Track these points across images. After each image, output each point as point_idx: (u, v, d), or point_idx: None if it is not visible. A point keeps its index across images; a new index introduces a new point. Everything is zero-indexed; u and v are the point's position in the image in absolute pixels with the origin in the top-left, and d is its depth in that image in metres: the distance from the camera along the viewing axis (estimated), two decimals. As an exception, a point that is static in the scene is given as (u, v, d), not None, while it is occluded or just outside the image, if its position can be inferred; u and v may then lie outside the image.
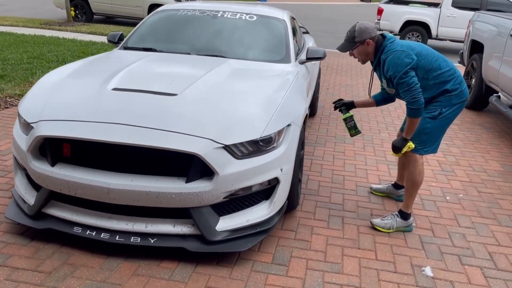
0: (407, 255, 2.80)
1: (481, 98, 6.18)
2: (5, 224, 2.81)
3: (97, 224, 2.58)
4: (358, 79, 8.09)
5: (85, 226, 2.60)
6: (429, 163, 4.31)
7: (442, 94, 2.87)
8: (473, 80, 6.38)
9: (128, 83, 2.91)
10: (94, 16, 13.90)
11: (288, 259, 2.67)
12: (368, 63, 3.07)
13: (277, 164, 2.68)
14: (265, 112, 2.76)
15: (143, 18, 6.78)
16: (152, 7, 12.77)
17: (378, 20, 12.32)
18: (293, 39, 4.09)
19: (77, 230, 2.59)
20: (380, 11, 12.30)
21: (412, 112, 2.78)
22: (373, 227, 3.06)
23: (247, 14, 4.17)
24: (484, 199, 3.63)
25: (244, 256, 2.66)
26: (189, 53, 3.72)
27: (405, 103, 2.81)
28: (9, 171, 3.53)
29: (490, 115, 6.29)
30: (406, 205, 3.05)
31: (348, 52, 2.96)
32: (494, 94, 5.72)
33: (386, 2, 12.69)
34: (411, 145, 2.91)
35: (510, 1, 10.93)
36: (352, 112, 3.29)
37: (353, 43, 2.88)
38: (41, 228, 2.64)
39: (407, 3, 12.65)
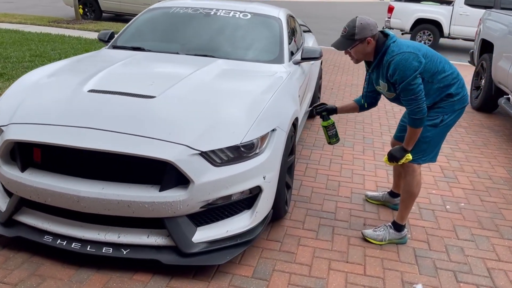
0: (399, 270, 2.62)
1: (490, 100, 5.93)
2: (-23, 231, 2.70)
3: (68, 233, 2.45)
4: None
5: (56, 235, 2.48)
6: (430, 168, 4.11)
7: (445, 100, 2.65)
8: (483, 81, 6.13)
9: (106, 84, 2.78)
10: (103, 14, 13.88)
11: (270, 272, 2.51)
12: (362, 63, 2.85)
13: (259, 171, 2.52)
14: (248, 116, 2.60)
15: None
16: (160, 4, 12.65)
17: (388, 18, 12.05)
18: (289, 38, 3.92)
19: (48, 239, 2.47)
20: (390, 9, 12.02)
21: (415, 122, 2.57)
22: (365, 239, 2.89)
23: (241, 12, 4.02)
24: (486, 209, 3.42)
25: (224, 269, 2.51)
26: (177, 53, 3.58)
27: (408, 112, 2.58)
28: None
29: (500, 117, 6.04)
30: (401, 216, 2.87)
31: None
32: (504, 96, 5.48)
33: (397, 0, 12.39)
34: (409, 156, 2.70)
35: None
36: (333, 118, 3.09)
37: (352, 40, 2.58)
38: (11, 236, 2.53)
39: (418, 1, 12.34)
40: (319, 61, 5.24)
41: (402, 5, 11.95)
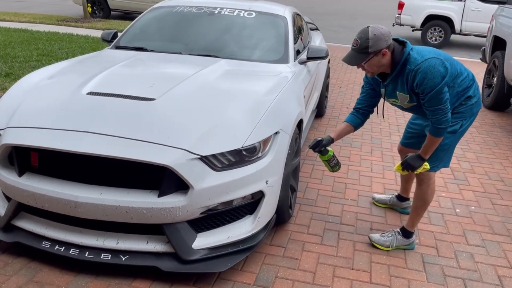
0: (406, 277, 2.53)
1: (503, 98, 5.78)
2: (-23, 235, 2.67)
3: (66, 239, 2.41)
4: (374, 77, 7.74)
5: (54, 241, 2.43)
6: (441, 170, 3.97)
7: (463, 103, 2.51)
8: (495, 79, 5.98)
9: (105, 86, 2.72)
10: (112, 12, 13.87)
11: (273, 280, 2.45)
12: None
13: (261, 176, 2.45)
14: (250, 118, 2.53)
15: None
16: (169, 2, 12.62)
17: (398, 14, 11.85)
18: (294, 37, 3.83)
19: (46, 245, 2.42)
20: (401, 5, 11.82)
21: (439, 132, 2.41)
22: (371, 244, 2.80)
23: (246, 10, 3.94)
24: (498, 213, 3.31)
25: (225, 276, 2.45)
26: (180, 53, 3.52)
27: (432, 122, 2.40)
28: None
29: (513, 116, 5.90)
30: (412, 224, 2.77)
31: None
32: (517, 95, 5.33)
33: (407, -4, 12.17)
34: (426, 165, 2.55)
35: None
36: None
37: (365, 54, 2.34)
38: (9, 242, 2.49)
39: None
40: (327, 60, 5.14)
41: (413, 1, 11.73)
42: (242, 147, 2.37)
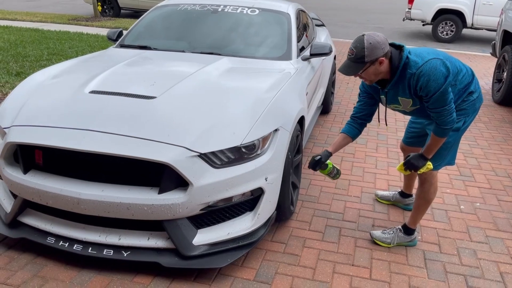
0: (406, 274, 2.53)
1: (513, 94, 5.71)
2: (-16, 231, 2.73)
3: (70, 235, 2.46)
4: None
5: (58, 237, 2.49)
6: (446, 167, 3.96)
7: (466, 100, 2.48)
8: (505, 74, 5.90)
9: (107, 85, 2.76)
10: (122, 11, 13.98)
11: (273, 276, 2.47)
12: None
13: (261, 173, 2.47)
14: (250, 115, 2.55)
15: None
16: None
17: (409, 9, 11.74)
18: (298, 34, 3.84)
19: (50, 240, 2.48)
20: (411, 0, 11.71)
21: (444, 132, 2.38)
22: (373, 240, 2.81)
23: (249, 7, 3.95)
24: (503, 209, 3.29)
25: (225, 272, 2.47)
26: (183, 51, 3.54)
27: (437, 122, 2.37)
28: None
29: (523, 111, 5.82)
30: (413, 221, 2.76)
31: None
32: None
33: (418, -10, 12.04)
34: (430, 165, 2.51)
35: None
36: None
37: (361, 63, 2.28)
38: (15, 238, 2.55)
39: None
40: (332, 56, 5.13)
41: (423, -5, 11.62)
42: (241, 144, 2.39)
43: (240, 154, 2.42)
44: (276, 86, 2.92)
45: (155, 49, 3.62)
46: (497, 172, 3.93)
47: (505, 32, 6.02)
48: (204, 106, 2.58)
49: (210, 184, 2.31)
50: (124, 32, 4.10)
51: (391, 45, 2.39)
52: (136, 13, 14.55)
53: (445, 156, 2.59)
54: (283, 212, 2.83)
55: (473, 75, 2.52)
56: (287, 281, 2.43)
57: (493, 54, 6.72)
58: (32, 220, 2.57)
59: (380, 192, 3.35)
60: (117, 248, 2.41)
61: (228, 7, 3.95)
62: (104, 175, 2.38)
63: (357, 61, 2.29)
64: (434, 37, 11.36)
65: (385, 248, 2.75)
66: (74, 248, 2.42)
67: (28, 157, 2.48)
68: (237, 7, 3.95)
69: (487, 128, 5.08)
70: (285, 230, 2.90)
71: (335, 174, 2.79)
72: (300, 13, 4.34)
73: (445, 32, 11.33)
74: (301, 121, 3.11)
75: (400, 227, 2.80)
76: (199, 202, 2.32)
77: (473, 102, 2.52)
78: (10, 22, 11.48)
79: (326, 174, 2.78)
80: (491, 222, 3.11)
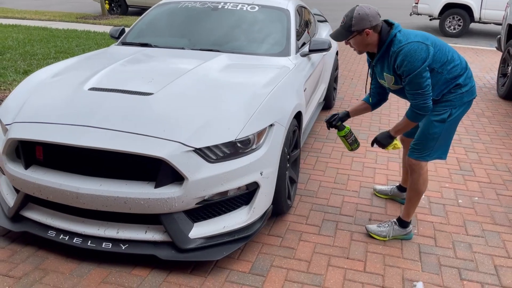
0: (400, 267, 2.56)
1: (517, 88, 5.68)
2: (-11, 225, 2.82)
3: (70, 228, 2.52)
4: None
5: (59, 230, 2.55)
6: (446, 161, 3.98)
7: (453, 92, 2.52)
8: (510, 68, 5.87)
9: (106, 82, 2.82)
10: (129, 9, 14.08)
11: (268, 268, 2.51)
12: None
13: (256, 167, 2.51)
14: (245, 111, 2.59)
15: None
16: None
17: (416, 3, 11.66)
18: (297, 30, 3.86)
19: (51, 234, 2.55)
20: (418, -6, 11.63)
21: (416, 117, 2.48)
22: (368, 234, 2.84)
23: (248, 4, 3.98)
24: (501, 203, 3.29)
25: (221, 265, 2.52)
26: (183, 48, 3.59)
27: (412, 105, 2.47)
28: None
29: (528, 106, 5.78)
30: (407, 213, 2.79)
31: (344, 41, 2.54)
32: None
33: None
34: (398, 144, 2.68)
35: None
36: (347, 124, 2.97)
37: (349, 32, 2.45)
38: (18, 231, 2.62)
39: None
40: (334, 52, 5.14)
41: (430, -10, 11.52)
42: (236, 139, 2.44)
43: (235, 148, 2.46)
44: (273, 81, 2.96)
45: (155, 46, 3.68)
46: (497, 166, 3.92)
47: (510, 26, 5.98)
48: (201, 102, 2.62)
49: (205, 178, 2.36)
50: (126, 30, 4.15)
51: (386, 22, 2.50)
52: (143, 11, 14.62)
53: (432, 147, 2.60)
54: (280, 206, 2.87)
55: (466, 68, 2.53)
56: (282, 274, 2.47)
57: (499, 48, 6.67)
58: (33, 214, 2.64)
59: (378, 187, 3.37)
60: (115, 241, 2.47)
61: (228, 4, 3.99)
62: (102, 170, 2.44)
63: (346, 29, 2.46)
64: (442, 31, 11.27)
65: (380, 241, 2.78)
66: (74, 241, 2.49)
67: (29, 153, 2.55)
68: (237, 4, 3.98)
69: (490, 122, 5.06)
70: (282, 224, 2.94)
71: (352, 141, 2.86)
72: (300, 9, 4.36)
73: (452, 27, 11.24)
74: (298, 116, 3.15)
75: (395, 220, 2.82)
76: (195, 196, 2.37)
77: (461, 95, 2.53)
78: (19, 21, 11.64)
79: (343, 137, 2.85)
80: (489, 216, 3.11)
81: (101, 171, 2.45)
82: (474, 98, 2.61)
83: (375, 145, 2.76)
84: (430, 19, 11.79)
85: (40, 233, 2.56)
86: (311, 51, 3.68)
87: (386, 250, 2.70)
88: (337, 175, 3.67)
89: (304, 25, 4.38)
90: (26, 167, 2.54)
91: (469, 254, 2.69)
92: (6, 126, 2.60)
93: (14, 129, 2.52)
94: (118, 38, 4.07)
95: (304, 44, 4.01)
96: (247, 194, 2.57)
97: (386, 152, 4.16)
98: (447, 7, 11.20)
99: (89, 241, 2.48)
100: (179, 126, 2.42)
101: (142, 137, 2.35)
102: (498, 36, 6.66)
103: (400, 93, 2.64)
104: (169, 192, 2.33)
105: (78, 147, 2.40)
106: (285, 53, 3.54)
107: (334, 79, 5.27)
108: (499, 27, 11.70)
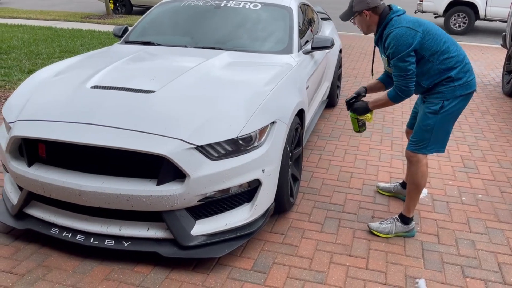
0: (403, 264, 2.55)
1: (522, 85, 5.64)
2: (-7, 223, 2.84)
3: (73, 225, 2.54)
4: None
5: (62, 228, 2.57)
6: (450, 158, 3.96)
7: (444, 84, 2.54)
8: (515, 65, 5.83)
9: (109, 80, 2.83)
10: (133, 8, 14.11)
11: (270, 266, 2.51)
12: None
13: (258, 164, 2.51)
14: (247, 108, 2.59)
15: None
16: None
17: (420, 1, 11.62)
18: (299, 27, 3.86)
19: (55, 231, 2.56)
20: (423, -8, 11.57)
21: (396, 98, 2.62)
22: (371, 232, 2.83)
23: (251, 2, 3.98)
24: (506, 201, 3.27)
25: (223, 262, 2.53)
26: (186, 46, 3.60)
27: (394, 86, 2.60)
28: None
29: (533, 103, 5.74)
30: (408, 209, 2.78)
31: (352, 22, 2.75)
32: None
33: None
34: (370, 118, 2.88)
35: None
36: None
37: (351, 12, 2.67)
38: (21, 228, 2.64)
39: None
40: (337, 50, 5.13)
41: (435, -13, 11.46)
42: (237, 136, 2.44)
43: (237, 146, 2.46)
44: (275, 79, 2.96)
45: (158, 44, 3.68)
46: (502, 164, 3.90)
47: (515, 23, 5.94)
48: (203, 100, 2.63)
49: (207, 175, 2.36)
50: (129, 29, 4.17)
51: (389, 6, 2.64)
52: (147, 10, 14.66)
53: (428, 139, 2.62)
54: (282, 204, 2.87)
55: (462, 62, 2.54)
56: (284, 271, 2.47)
57: (504, 45, 6.63)
58: (37, 212, 2.65)
59: (382, 184, 3.37)
60: (118, 238, 2.48)
61: (230, 2, 3.99)
62: (105, 167, 2.45)
63: (350, 9, 2.68)
64: (447, 29, 11.22)
65: (383, 239, 2.78)
66: (77, 238, 2.50)
67: (32, 150, 2.56)
68: (240, 2, 3.98)
69: (494, 120, 5.03)
70: (285, 222, 2.93)
71: (362, 123, 2.97)
72: (303, 7, 4.35)
73: (457, 24, 11.19)
74: (300, 114, 3.14)
75: (397, 216, 2.82)
76: (196, 193, 2.37)
77: (453, 88, 2.55)
78: (24, 21, 11.69)
79: (355, 118, 2.94)
80: (492, 213, 3.10)
81: (103, 169, 2.46)
82: (471, 93, 2.59)
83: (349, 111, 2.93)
84: (435, 17, 11.73)
85: (44, 230, 2.58)
86: (314, 48, 3.67)
87: (389, 247, 2.70)
88: (340, 173, 3.66)
89: (307, 23, 4.37)
90: (29, 165, 2.55)
91: (473, 252, 2.67)
92: (10, 124, 2.61)
93: (17, 127, 2.54)
94: (121, 36, 4.08)
95: (307, 41, 4.00)
96: (249, 192, 2.57)
97: (389, 150, 4.15)
98: (452, 5, 11.15)
99: (92, 238, 2.49)
100: (181, 123, 2.43)
101: (144, 135, 2.35)
102: (503, 34, 6.62)
103: None
104: (171, 189, 2.34)
105: (80, 145, 2.41)
106: (287, 50, 3.54)
107: (337, 77, 5.26)
108: (505, 24, 11.62)
